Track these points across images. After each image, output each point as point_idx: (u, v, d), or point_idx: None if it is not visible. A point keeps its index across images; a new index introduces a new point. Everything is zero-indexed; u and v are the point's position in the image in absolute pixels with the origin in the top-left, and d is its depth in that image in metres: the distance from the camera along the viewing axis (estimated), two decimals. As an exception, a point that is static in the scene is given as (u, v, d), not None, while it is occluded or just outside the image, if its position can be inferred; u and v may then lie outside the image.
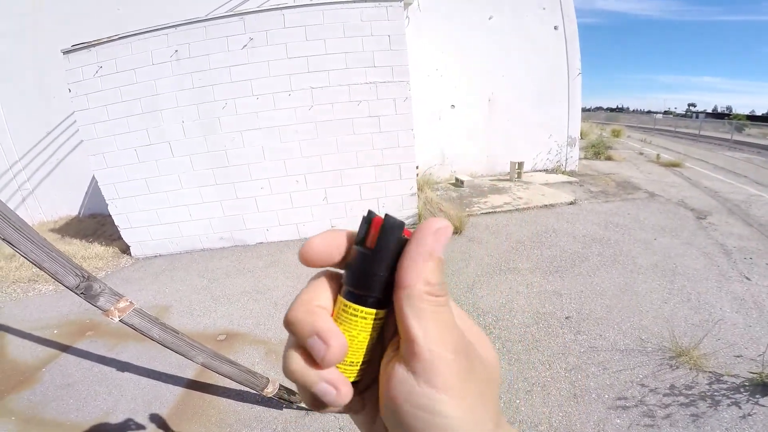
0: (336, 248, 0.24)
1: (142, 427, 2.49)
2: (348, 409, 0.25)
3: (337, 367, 0.23)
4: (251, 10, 5.04)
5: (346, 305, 0.23)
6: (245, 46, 4.95)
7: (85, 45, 4.92)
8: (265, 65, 5.01)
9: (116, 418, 2.59)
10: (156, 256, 5.69)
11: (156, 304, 4.18)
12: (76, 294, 1.48)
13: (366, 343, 0.23)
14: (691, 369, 2.57)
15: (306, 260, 0.24)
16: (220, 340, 3.39)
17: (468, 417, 0.21)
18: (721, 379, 2.48)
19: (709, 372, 2.54)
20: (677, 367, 2.60)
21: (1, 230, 1.27)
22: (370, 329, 0.23)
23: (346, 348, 0.22)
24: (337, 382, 0.23)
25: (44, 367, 3.24)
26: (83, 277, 1.48)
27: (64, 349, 3.49)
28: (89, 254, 5.66)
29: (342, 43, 5.02)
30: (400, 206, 5.70)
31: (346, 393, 0.23)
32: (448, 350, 0.22)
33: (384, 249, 0.22)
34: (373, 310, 0.22)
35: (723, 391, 2.38)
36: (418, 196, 5.96)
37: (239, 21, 4.89)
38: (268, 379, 2.12)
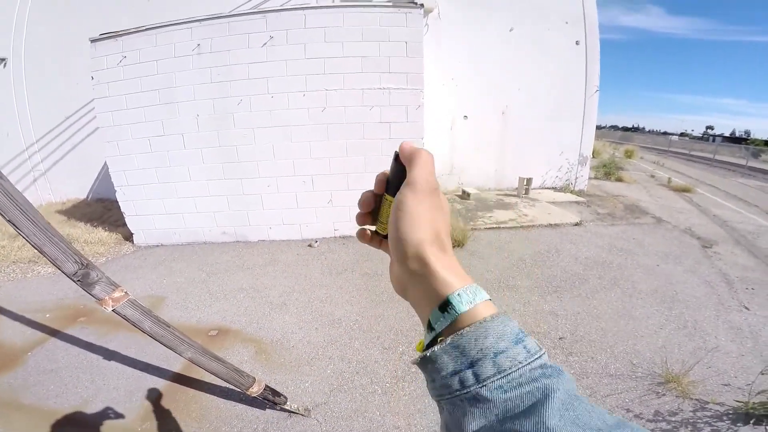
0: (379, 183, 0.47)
1: (121, 416, 2.47)
2: (378, 245, 0.49)
3: (378, 227, 0.46)
4: (274, 8, 5.11)
5: (386, 196, 0.43)
6: (265, 44, 5.01)
7: (113, 35, 5.03)
8: (283, 64, 5.07)
9: (95, 407, 2.57)
10: (158, 246, 5.76)
11: (152, 294, 4.20)
12: (73, 281, 1.50)
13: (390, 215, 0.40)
14: (678, 396, 2.55)
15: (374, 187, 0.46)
16: (212, 335, 3.40)
17: (416, 213, 0.37)
18: (706, 406, 2.46)
19: (695, 399, 2.52)
20: (664, 394, 2.58)
21: (7, 211, 1.27)
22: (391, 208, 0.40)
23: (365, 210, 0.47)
24: (363, 235, 0.48)
25: (31, 351, 3.20)
26: (82, 264, 1.50)
27: (54, 333, 3.47)
28: (92, 239, 5.73)
29: (359, 46, 5.06)
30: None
31: (367, 239, 0.48)
32: (425, 177, 0.38)
33: (394, 168, 0.41)
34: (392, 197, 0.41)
35: (706, 419, 2.35)
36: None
37: (262, 19, 4.96)
38: (254, 378, 2.14)
